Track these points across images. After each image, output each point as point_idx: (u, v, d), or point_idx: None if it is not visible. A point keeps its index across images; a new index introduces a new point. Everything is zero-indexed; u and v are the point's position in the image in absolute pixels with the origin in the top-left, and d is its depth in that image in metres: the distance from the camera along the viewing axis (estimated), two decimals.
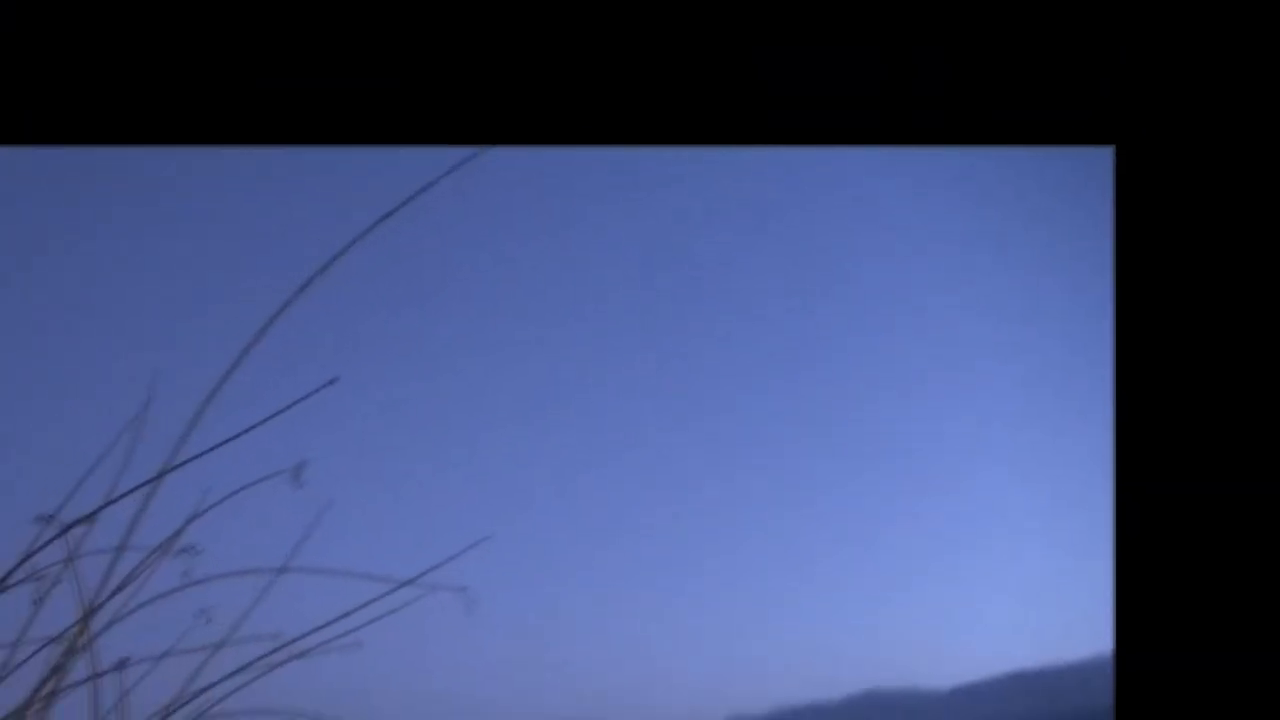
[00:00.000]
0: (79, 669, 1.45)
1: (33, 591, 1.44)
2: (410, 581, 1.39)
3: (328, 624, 1.40)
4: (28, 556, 1.42)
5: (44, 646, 1.44)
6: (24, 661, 1.44)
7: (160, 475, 1.40)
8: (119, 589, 1.43)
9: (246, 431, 1.37)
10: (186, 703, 1.45)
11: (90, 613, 1.44)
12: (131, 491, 1.40)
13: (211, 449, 1.38)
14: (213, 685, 1.44)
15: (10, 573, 1.43)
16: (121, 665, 1.46)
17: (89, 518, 1.42)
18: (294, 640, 1.42)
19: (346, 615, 1.39)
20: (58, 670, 1.44)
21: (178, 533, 1.42)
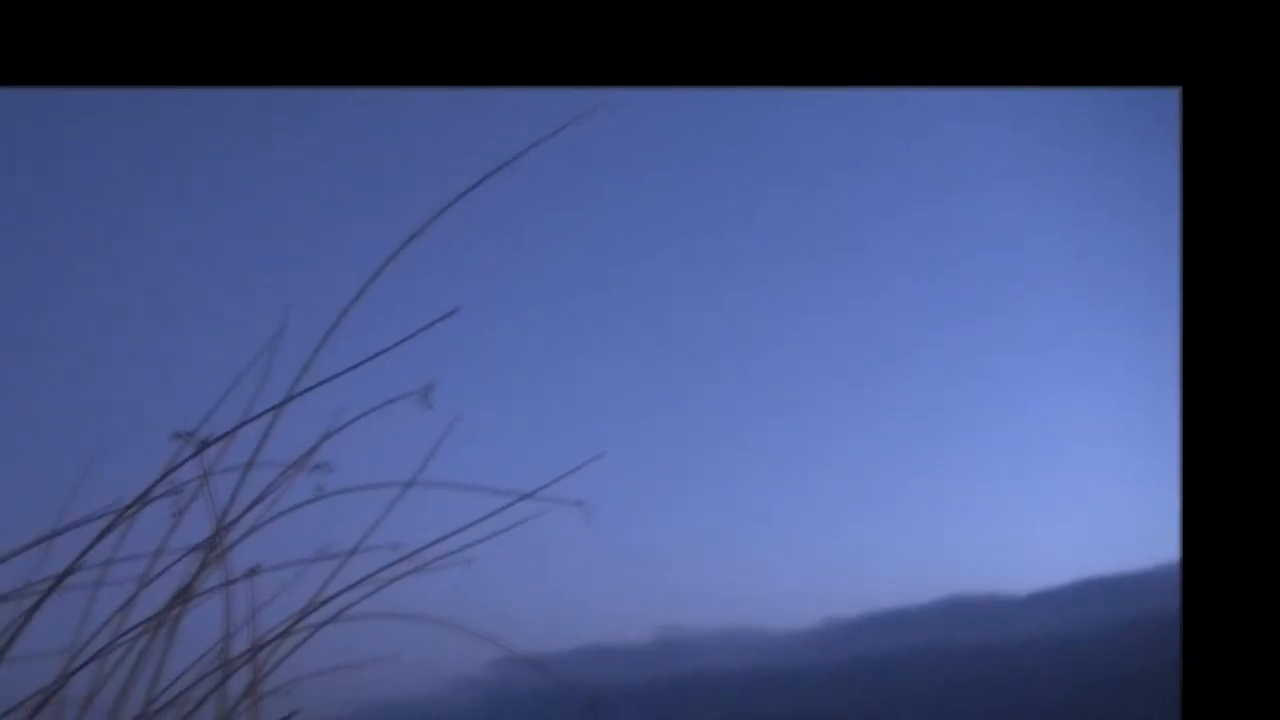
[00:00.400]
0: (214, 578, 1.55)
1: (172, 505, 1.53)
2: (529, 495, 1.49)
3: (451, 535, 1.50)
4: (168, 472, 1.52)
5: (182, 557, 1.54)
6: (164, 571, 1.54)
7: (294, 396, 1.49)
8: (254, 503, 1.53)
9: (377, 356, 1.46)
10: (315, 609, 1.56)
11: (225, 525, 1.53)
12: (267, 412, 1.49)
13: (343, 372, 1.47)
14: (340, 593, 1.54)
15: (151, 487, 1.52)
16: (252, 573, 1.56)
17: (226, 436, 1.51)
18: (417, 551, 1.52)
19: (470, 526, 1.49)
20: (195, 578, 1.54)
21: (311, 450, 1.51)
